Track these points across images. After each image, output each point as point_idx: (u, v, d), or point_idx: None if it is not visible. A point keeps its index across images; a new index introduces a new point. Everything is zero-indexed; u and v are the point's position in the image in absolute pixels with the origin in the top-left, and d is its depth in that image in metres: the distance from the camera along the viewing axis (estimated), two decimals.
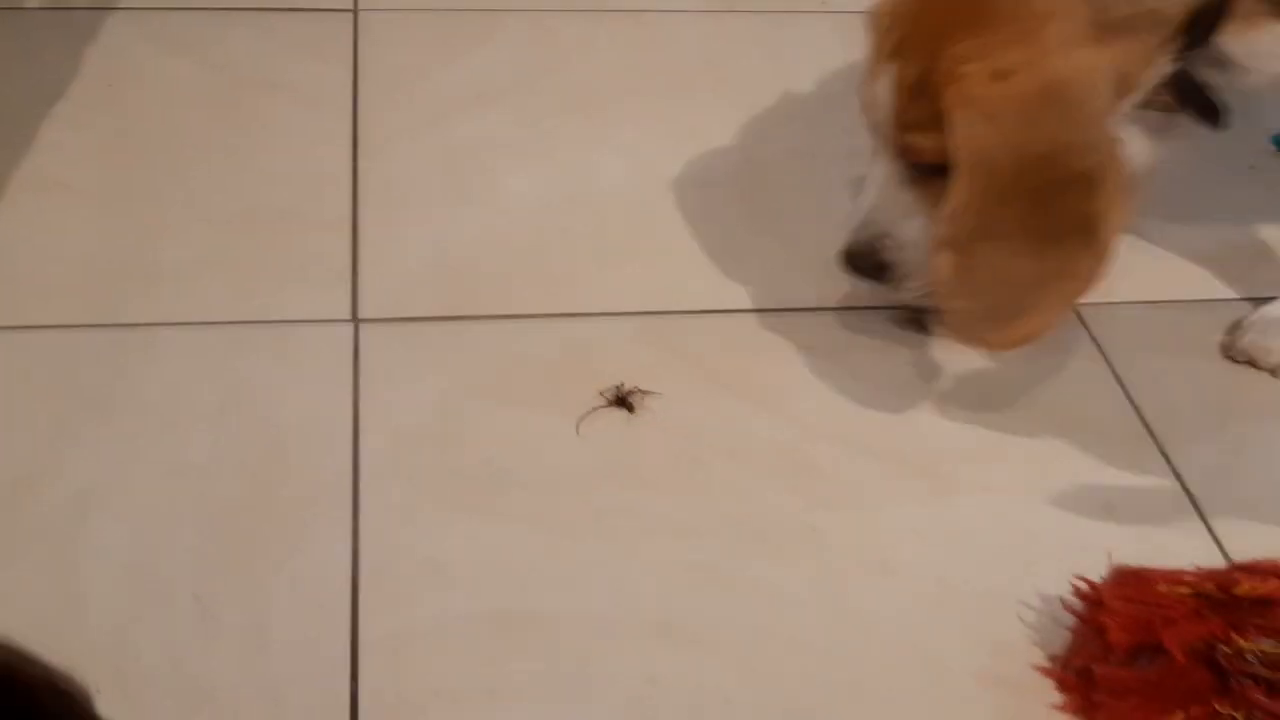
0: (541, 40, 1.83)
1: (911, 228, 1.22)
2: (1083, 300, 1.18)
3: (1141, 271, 1.52)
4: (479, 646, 1.11)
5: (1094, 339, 1.44)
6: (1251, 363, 1.39)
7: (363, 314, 1.40)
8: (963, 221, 1.13)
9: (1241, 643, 1.03)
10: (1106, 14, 1.10)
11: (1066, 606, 1.12)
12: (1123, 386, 1.39)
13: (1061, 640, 1.13)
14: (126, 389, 1.31)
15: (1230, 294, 1.50)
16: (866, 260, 1.27)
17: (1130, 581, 1.10)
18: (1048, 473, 1.30)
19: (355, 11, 1.86)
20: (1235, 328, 1.41)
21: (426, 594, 1.15)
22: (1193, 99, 1.23)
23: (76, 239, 1.46)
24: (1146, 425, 1.35)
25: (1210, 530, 1.26)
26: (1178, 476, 1.30)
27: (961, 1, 1.12)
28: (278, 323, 1.39)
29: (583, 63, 1.80)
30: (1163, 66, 1.16)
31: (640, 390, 1.32)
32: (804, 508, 1.25)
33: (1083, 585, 1.12)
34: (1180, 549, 1.22)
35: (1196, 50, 1.17)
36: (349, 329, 1.38)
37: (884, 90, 1.18)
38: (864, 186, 1.25)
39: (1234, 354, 1.40)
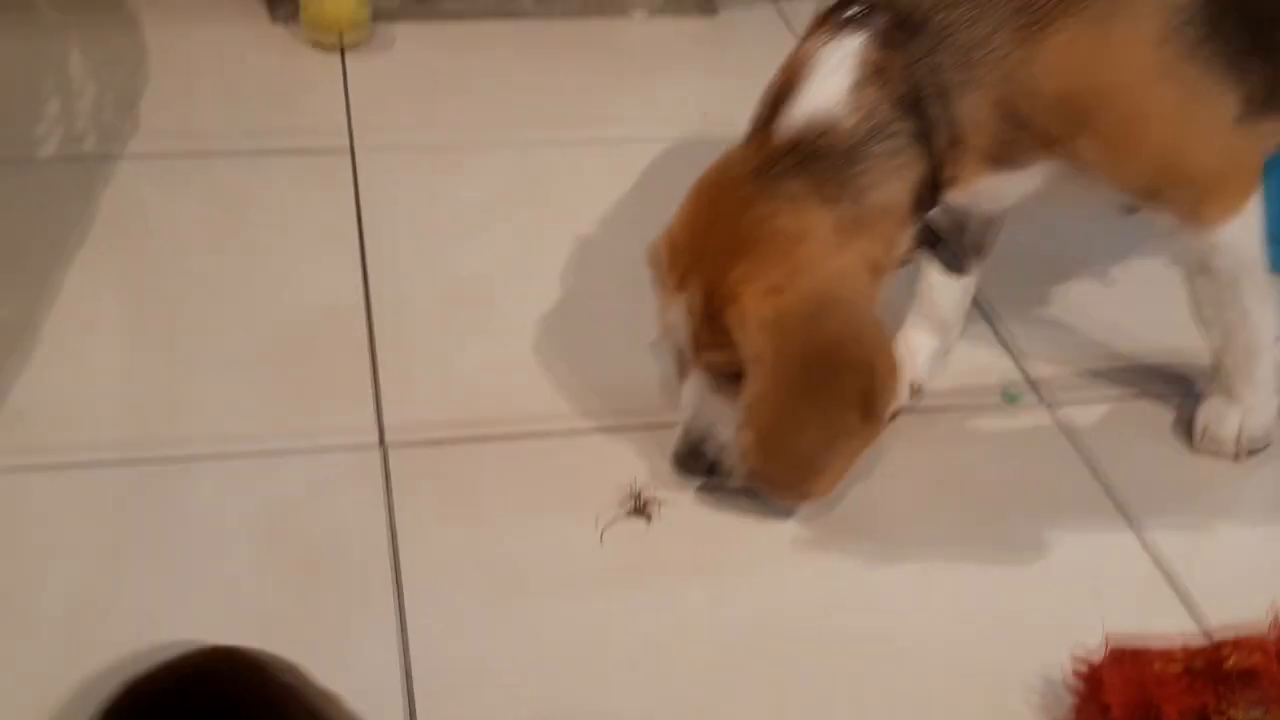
0: (530, 169, 1.94)
1: (727, 428, 1.36)
2: (865, 455, 1.37)
3: (1104, 354, 1.66)
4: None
5: (1060, 427, 1.56)
6: (1215, 454, 1.52)
7: (389, 436, 1.49)
8: (759, 410, 1.31)
9: (1231, 713, 1.13)
10: (845, 220, 1.27)
11: (1067, 686, 1.22)
12: (1094, 470, 1.50)
13: (1066, 717, 1.22)
14: (171, 517, 1.38)
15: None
16: (695, 463, 1.40)
17: (1127, 660, 1.20)
18: (1038, 558, 1.41)
19: (352, 151, 1.96)
20: (1196, 427, 1.53)
21: (472, 694, 1.22)
22: (936, 250, 1.40)
23: (110, 379, 1.55)
24: (1120, 507, 1.46)
25: (1186, 604, 1.36)
26: (1153, 555, 1.41)
27: (727, 236, 1.29)
28: (307, 450, 1.47)
29: (572, 189, 1.91)
30: (906, 241, 1.33)
31: (656, 499, 1.41)
32: (818, 601, 1.35)
33: (1082, 666, 1.21)
34: (1163, 623, 1.32)
35: (930, 211, 1.33)
36: (377, 453, 1.47)
37: (678, 318, 1.34)
38: (682, 399, 1.40)
39: (1200, 450, 1.52)
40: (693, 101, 2.10)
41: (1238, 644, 1.18)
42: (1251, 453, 1.50)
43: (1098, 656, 1.21)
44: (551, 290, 1.72)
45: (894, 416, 1.47)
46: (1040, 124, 1.27)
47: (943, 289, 1.53)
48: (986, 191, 1.33)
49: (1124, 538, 1.43)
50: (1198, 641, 1.23)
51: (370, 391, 1.55)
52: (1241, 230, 1.36)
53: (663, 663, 1.27)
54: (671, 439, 1.42)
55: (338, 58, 2.19)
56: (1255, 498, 1.51)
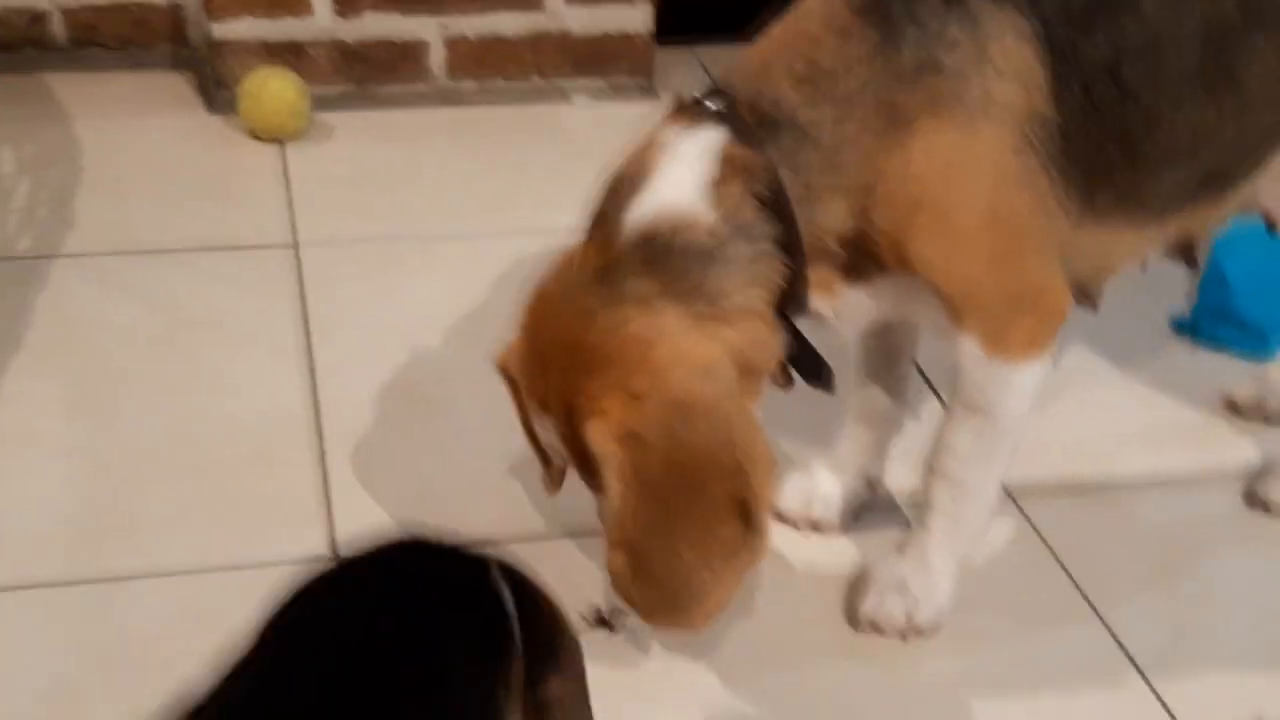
0: (478, 260, 1.91)
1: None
2: (750, 576, 1.24)
3: (1061, 450, 1.64)
4: None
5: (1030, 522, 1.54)
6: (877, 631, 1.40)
7: (343, 551, 1.44)
8: (623, 525, 1.19)
9: None
10: (704, 316, 1.18)
11: None
12: (1063, 566, 1.48)
13: None
14: (118, 641, 1.33)
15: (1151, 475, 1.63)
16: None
17: None
18: (995, 653, 1.38)
19: (296, 247, 1.92)
20: (869, 594, 1.41)
21: None
22: (801, 364, 1.29)
23: (50, 494, 1.50)
24: (1090, 604, 1.44)
25: (1160, 700, 1.34)
26: (1123, 649, 1.39)
27: (576, 349, 1.19)
28: (258, 566, 1.42)
29: (521, 280, 1.88)
30: (777, 344, 1.24)
31: (618, 609, 1.37)
32: (781, 699, 1.32)
33: None
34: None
35: (799, 318, 1.26)
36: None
37: (549, 438, 1.26)
38: None
39: (862, 623, 1.40)
40: None
41: None
42: (917, 634, 1.39)
43: None
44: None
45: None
46: (886, 224, 1.20)
47: (870, 384, 1.48)
48: (843, 306, 1.28)
49: (1100, 641, 1.41)
50: None
51: (321, 503, 1.50)
52: (1035, 376, 1.30)
53: None
54: None
55: (277, 149, 2.16)
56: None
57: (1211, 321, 1.87)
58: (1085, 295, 1.37)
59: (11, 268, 1.85)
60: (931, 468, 1.36)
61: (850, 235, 1.22)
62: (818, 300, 1.25)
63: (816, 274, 1.23)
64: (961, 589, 1.42)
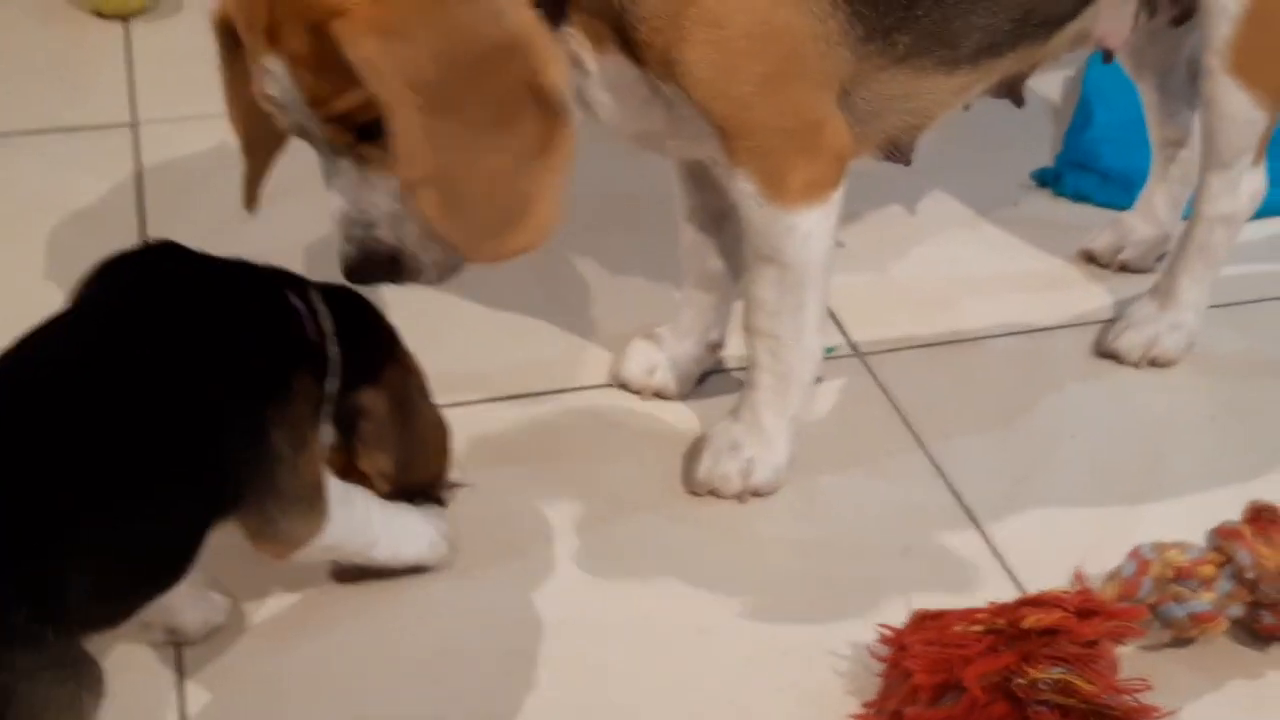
0: None
1: (393, 207, 1.16)
2: (568, 168, 1.13)
3: (911, 308, 1.63)
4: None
5: (877, 381, 1.52)
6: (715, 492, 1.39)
7: None
8: (419, 153, 1.07)
9: (1033, 672, 1.10)
10: None
11: (873, 654, 1.18)
12: (908, 425, 1.47)
13: (873, 686, 1.18)
14: None
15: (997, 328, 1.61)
16: (374, 261, 1.18)
17: (929, 624, 1.16)
18: (841, 517, 1.37)
19: (135, 126, 1.86)
20: (703, 456, 1.39)
21: None
22: None
23: None
24: (931, 459, 1.43)
25: (993, 549, 1.34)
26: (966, 510, 1.38)
27: None
28: None
29: None
30: None
31: (452, 483, 1.34)
32: (620, 578, 1.30)
33: (886, 631, 1.18)
34: (976, 582, 1.29)
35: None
36: None
37: (280, 86, 1.10)
38: (330, 201, 1.18)
39: (699, 484, 1.39)
40: None
41: (1038, 601, 1.15)
42: (757, 495, 1.38)
43: (902, 622, 1.18)
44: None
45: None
46: (653, 17, 1.14)
47: (700, 246, 1.44)
48: (613, 85, 1.20)
49: (938, 491, 1.40)
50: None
51: None
52: (822, 222, 1.26)
53: (456, 655, 1.22)
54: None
55: (121, 26, 2.08)
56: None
57: (1075, 173, 1.85)
58: (897, 149, 1.33)
59: None
60: (746, 326, 1.34)
61: (614, 11, 1.15)
62: (581, 49, 1.17)
63: (582, 19, 1.16)
64: (802, 449, 1.41)
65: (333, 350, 1.14)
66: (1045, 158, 1.88)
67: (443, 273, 1.20)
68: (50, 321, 1.06)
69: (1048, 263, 1.71)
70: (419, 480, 1.25)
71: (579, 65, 1.19)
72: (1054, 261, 1.71)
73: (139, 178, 1.77)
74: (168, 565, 1.03)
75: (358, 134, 1.12)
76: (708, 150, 1.24)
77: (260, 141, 1.23)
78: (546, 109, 1.09)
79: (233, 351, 1.07)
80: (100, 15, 2.09)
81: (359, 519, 1.18)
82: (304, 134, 1.15)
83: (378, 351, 1.20)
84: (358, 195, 1.16)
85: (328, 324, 1.15)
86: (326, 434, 1.16)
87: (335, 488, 1.14)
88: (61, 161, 1.80)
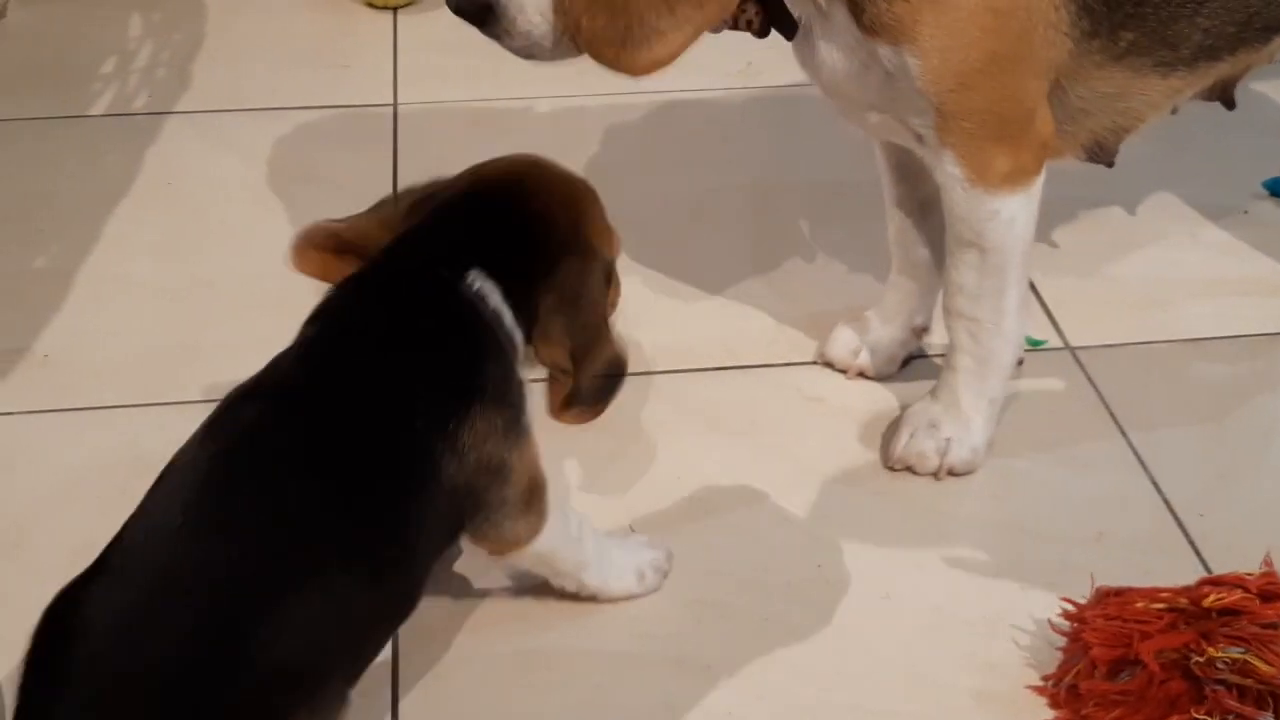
0: (567, 126, 1.95)
1: None
2: (704, 28, 1.16)
3: (1127, 308, 1.62)
4: (503, 680, 1.20)
5: (1087, 376, 1.52)
6: (912, 469, 1.41)
7: None
8: None
9: (1212, 651, 1.10)
10: None
11: (1053, 627, 1.20)
12: (1114, 418, 1.47)
13: (1052, 660, 1.20)
14: None
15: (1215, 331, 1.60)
16: (469, 4, 1.20)
17: (1111, 601, 1.17)
18: (1037, 501, 1.38)
19: (395, 109, 1.99)
20: (901, 433, 1.41)
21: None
22: (774, 5, 1.24)
23: (142, 326, 1.59)
24: (1135, 451, 1.43)
25: (1193, 545, 1.33)
26: (1165, 501, 1.38)
27: None
28: None
29: (607, 144, 1.91)
30: None
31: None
32: (810, 542, 1.34)
33: (1068, 606, 1.19)
34: (1164, 562, 1.29)
35: None
36: None
37: None
38: None
39: (897, 459, 1.41)
40: (737, 52, 2.09)
41: (1220, 581, 1.15)
42: (953, 474, 1.40)
43: (1085, 597, 1.19)
44: None
45: None
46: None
47: (907, 233, 1.47)
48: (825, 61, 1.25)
49: (1138, 482, 1.40)
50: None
51: None
52: (1024, 208, 1.28)
53: (649, 603, 1.28)
54: None
55: (389, 17, 2.22)
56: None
57: None
58: (1102, 150, 1.34)
59: (127, 123, 1.95)
60: (946, 309, 1.36)
61: None
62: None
63: None
64: (1003, 435, 1.43)
65: (506, 316, 1.14)
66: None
67: (527, 47, 1.20)
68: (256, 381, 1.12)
69: (1272, 269, 1.68)
70: (594, 366, 1.21)
71: (819, 10, 1.22)
72: (1276, 271, 1.68)
73: (395, 155, 1.89)
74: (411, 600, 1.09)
75: None
76: (915, 127, 1.28)
77: None
78: None
79: (416, 388, 1.09)
80: (371, 6, 2.23)
81: (574, 532, 1.21)
82: None
83: (543, 254, 1.17)
84: None
85: (491, 293, 1.14)
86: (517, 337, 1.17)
87: (555, 497, 1.17)
88: (323, 136, 1.93)
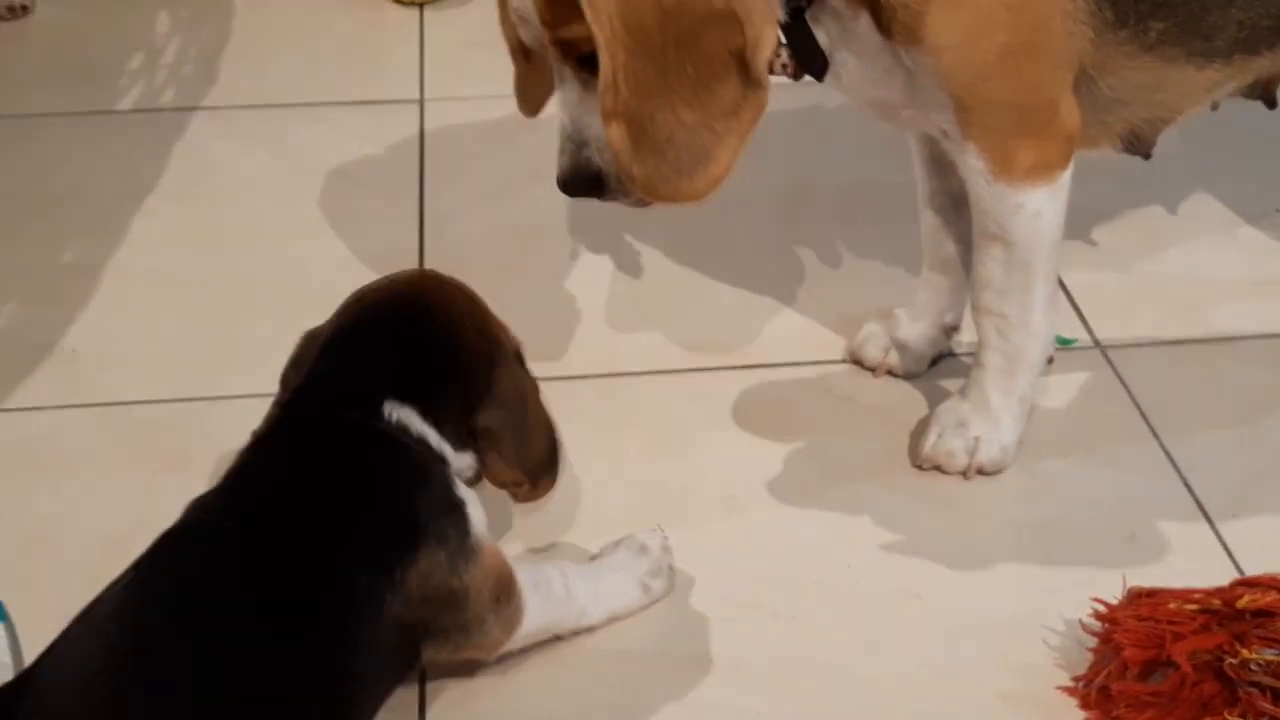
0: None
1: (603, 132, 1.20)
2: (749, 135, 1.19)
3: (1160, 306, 1.61)
4: (533, 676, 1.20)
5: (1118, 375, 1.51)
6: (941, 467, 1.40)
7: None
8: (619, 90, 1.14)
9: (1245, 653, 1.09)
10: None
11: (1085, 628, 1.19)
12: (1145, 418, 1.46)
13: (1084, 661, 1.19)
14: (215, 454, 1.41)
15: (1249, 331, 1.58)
16: (581, 177, 1.25)
17: (1143, 601, 1.16)
18: (1068, 501, 1.37)
19: (422, 103, 1.98)
20: (930, 431, 1.41)
21: None
22: (803, 48, 1.24)
23: (168, 322, 1.60)
24: (1166, 452, 1.42)
25: (1225, 547, 1.32)
26: (1198, 503, 1.36)
27: None
28: None
29: None
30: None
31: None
32: (838, 541, 1.33)
33: (1100, 607, 1.18)
34: (1195, 564, 1.28)
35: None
36: None
37: (523, 3, 1.19)
38: (557, 115, 1.26)
39: (926, 458, 1.40)
40: None
41: (1254, 583, 1.14)
42: (982, 474, 1.39)
43: (1117, 598, 1.18)
44: (600, 242, 1.73)
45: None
46: None
47: (938, 230, 1.45)
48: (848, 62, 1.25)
49: (1169, 483, 1.39)
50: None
51: None
52: (1050, 202, 1.27)
53: (678, 602, 1.27)
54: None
55: (416, 13, 2.21)
56: None
57: None
58: (1138, 141, 1.33)
59: (155, 119, 1.95)
60: (974, 305, 1.36)
61: None
62: (822, 16, 1.22)
63: None
64: (1033, 434, 1.42)
65: (432, 437, 1.13)
66: None
67: (640, 200, 1.25)
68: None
69: None
70: (537, 463, 1.23)
71: (838, 20, 1.22)
72: None
73: (421, 151, 1.89)
74: None
75: (579, 61, 1.19)
76: (939, 123, 1.27)
77: (522, 50, 1.30)
78: (746, 80, 1.16)
79: (351, 542, 1.07)
80: (398, 2, 2.23)
81: (558, 596, 1.19)
82: (540, 49, 1.23)
83: (486, 372, 1.18)
84: (577, 114, 1.23)
85: (411, 420, 1.13)
86: (465, 461, 1.17)
87: (527, 575, 1.16)
88: (350, 132, 1.93)
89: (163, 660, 0.97)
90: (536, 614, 1.16)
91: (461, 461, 1.16)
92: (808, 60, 1.25)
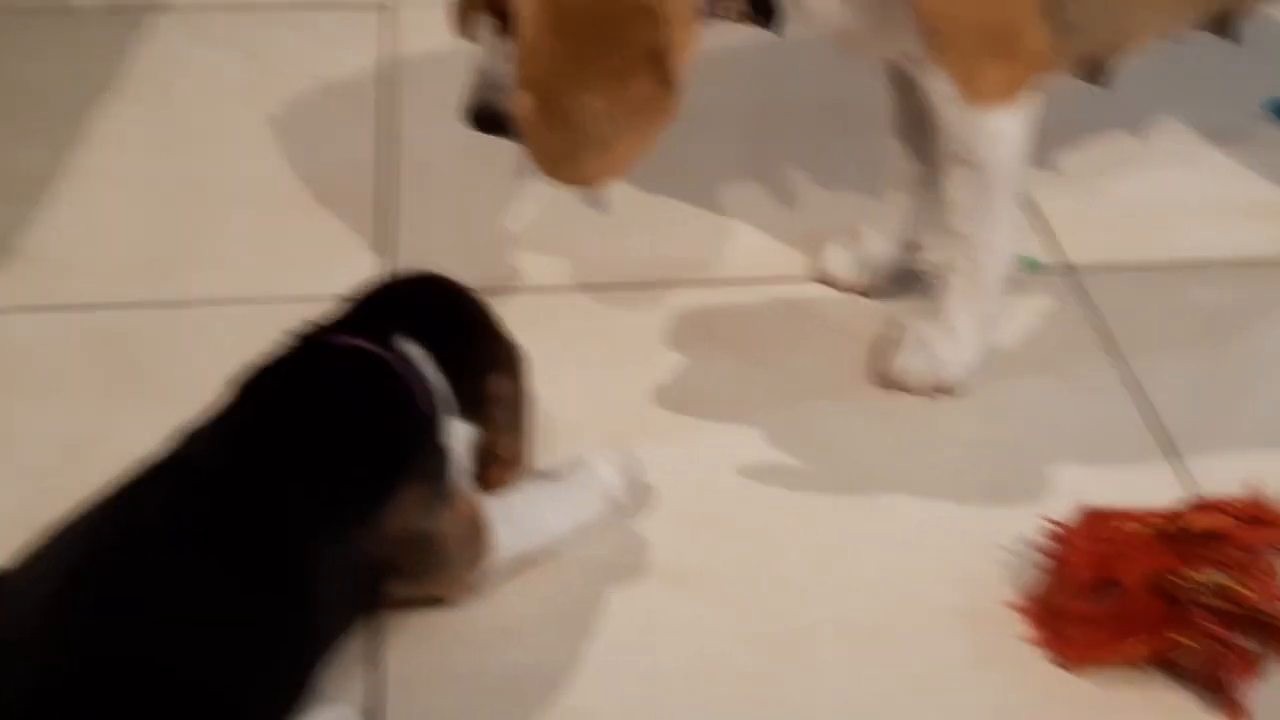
0: None
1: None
2: (657, 137, 1.20)
3: (1127, 230, 1.61)
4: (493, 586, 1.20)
5: (1085, 298, 1.51)
6: (904, 388, 1.41)
7: None
8: (533, 62, 1.16)
9: (1193, 575, 1.10)
10: None
11: (1035, 546, 1.19)
12: (1110, 342, 1.46)
13: (1033, 578, 1.20)
14: (171, 361, 1.41)
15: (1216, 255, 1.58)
16: (487, 115, 1.26)
17: (1094, 521, 1.17)
18: (1028, 422, 1.38)
19: (389, 8, 1.96)
20: (897, 353, 1.41)
21: None
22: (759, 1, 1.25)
23: (126, 224, 1.58)
24: (1131, 375, 1.42)
25: (1188, 475, 1.32)
26: (1161, 426, 1.37)
27: None
28: (312, 299, 1.47)
29: None
30: None
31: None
32: (798, 455, 1.33)
33: (1051, 525, 1.19)
34: (1153, 488, 1.28)
35: None
36: None
37: None
38: (474, 55, 1.28)
39: (890, 379, 1.41)
40: None
41: (1203, 506, 1.14)
42: (944, 393, 1.39)
43: (1068, 517, 1.19)
44: None
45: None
46: None
47: (906, 149, 1.44)
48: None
49: (1131, 405, 1.39)
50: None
51: (378, 244, 1.55)
52: (1014, 125, 1.27)
53: (639, 515, 1.28)
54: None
55: None
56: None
57: None
58: (1097, 67, 1.32)
59: (115, 18, 1.92)
60: (939, 226, 1.35)
61: None
62: None
63: None
64: (997, 357, 1.42)
65: (438, 385, 1.14)
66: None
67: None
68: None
69: (1274, 193, 1.66)
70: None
71: None
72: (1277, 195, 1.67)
73: (390, 54, 1.86)
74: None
75: (502, 18, 1.20)
76: (906, 48, 1.26)
77: None
78: (663, 79, 1.16)
79: (334, 467, 1.07)
80: None
81: (529, 525, 1.19)
82: None
83: (491, 343, 1.21)
84: (494, 61, 1.24)
85: (417, 355, 1.13)
86: (463, 432, 1.16)
87: (497, 510, 1.16)
88: (317, 36, 1.90)
89: (127, 586, 0.96)
90: (508, 547, 1.17)
91: (461, 429, 1.16)
92: (760, 12, 1.25)
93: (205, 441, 1.07)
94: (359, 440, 1.08)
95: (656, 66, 1.16)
